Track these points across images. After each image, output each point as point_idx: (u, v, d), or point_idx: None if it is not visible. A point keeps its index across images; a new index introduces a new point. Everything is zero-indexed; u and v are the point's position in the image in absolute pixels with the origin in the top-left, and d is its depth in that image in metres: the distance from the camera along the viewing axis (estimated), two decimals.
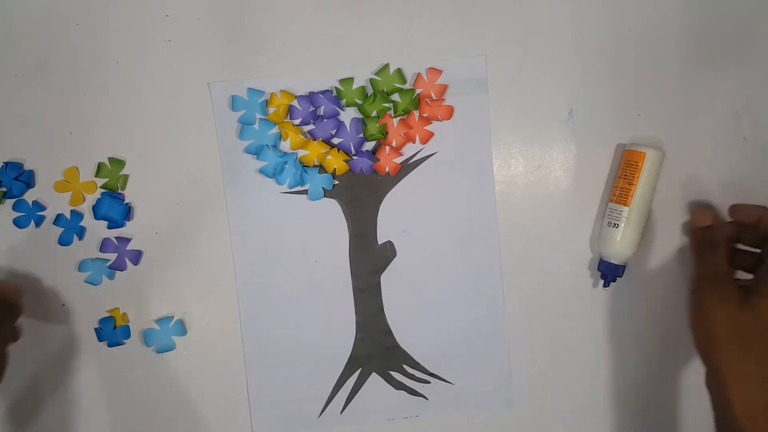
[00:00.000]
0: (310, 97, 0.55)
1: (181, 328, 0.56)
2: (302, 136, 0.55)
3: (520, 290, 0.57)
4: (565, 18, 0.55)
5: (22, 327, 0.54)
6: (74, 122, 0.55)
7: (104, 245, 0.55)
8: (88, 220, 0.55)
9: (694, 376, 0.56)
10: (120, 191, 0.55)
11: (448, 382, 0.57)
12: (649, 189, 0.53)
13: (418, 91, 0.55)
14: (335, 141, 0.55)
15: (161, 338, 0.56)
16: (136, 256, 0.56)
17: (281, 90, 0.55)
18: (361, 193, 0.56)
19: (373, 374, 0.57)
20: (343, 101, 0.55)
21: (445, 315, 0.57)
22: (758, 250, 0.51)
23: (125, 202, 0.55)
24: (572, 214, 0.56)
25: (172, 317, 0.56)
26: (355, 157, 0.55)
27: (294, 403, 0.57)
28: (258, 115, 0.55)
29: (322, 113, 0.55)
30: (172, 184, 0.56)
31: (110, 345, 0.56)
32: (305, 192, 0.56)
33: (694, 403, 0.57)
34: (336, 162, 0.55)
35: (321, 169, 0.55)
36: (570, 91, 0.55)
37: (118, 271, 0.56)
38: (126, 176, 0.55)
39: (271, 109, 0.55)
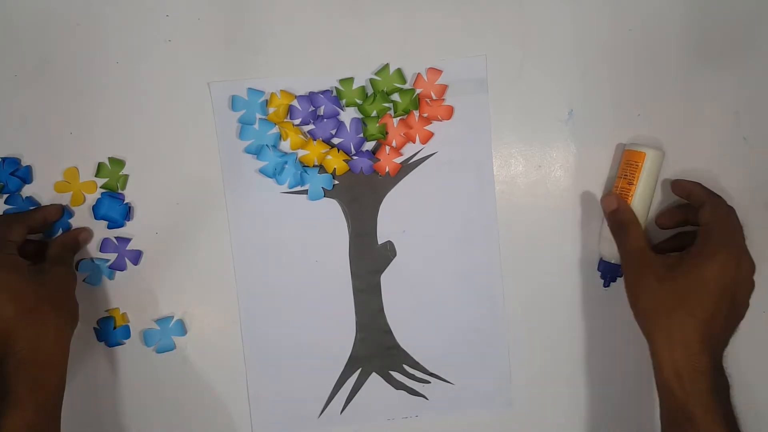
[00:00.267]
0: (310, 97, 0.55)
1: (181, 328, 0.56)
2: (302, 136, 0.55)
3: (520, 290, 0.57)
4: (565, 18, 0.55)
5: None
6: (74, 122, 0.55)
7: (104, 245, 0.55)
8: (88, 220, 0.55)
9: None
10: (120, 191, 0.55)
11: (448, 382, 0.57)
12: (649, 189, 0.53)
13: (418, 91, 0.55)
14: (335, 141, 0.55)
15: (161, 338, 0.56)
16: (136, 256, 0.56)
17: (281, 90, 0.55)
18: (361, 193, 0.56)
19: (373, 374, 0.57)
20: (343, 101, 0.55)
21: (445, 315, 0.57)
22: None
23: (125, 202, 0.55)
24: (572, 214, 0.56)
25: (172, 317, 0.56)
26: (355, 157, 0.55)
27: (294, 403, 0.57)
28: (258, 115, 0.55)
29: (322, 113, 0.55)
30: (172, 184, 0.56)
31: (110, 345, 0.56)
32: (305, 192, 0.56)
33: None
34: (336, 162, 0.55)
35: (321, 169, 0.55)
36: (570, 91, 0.55)
37: (118, 271, 0.56)
38: (126, 176, 0.55)
39: (271, 109, 0.55)
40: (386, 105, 0.55)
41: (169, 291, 0.56)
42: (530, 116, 0.55)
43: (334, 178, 0.56)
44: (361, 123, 0.55)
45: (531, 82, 0.55)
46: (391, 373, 0.57)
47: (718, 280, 0.47)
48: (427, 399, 0.57)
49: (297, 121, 0.55)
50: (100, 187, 0.55)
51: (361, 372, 0.57)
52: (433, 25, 0.55)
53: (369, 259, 0.56)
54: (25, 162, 0.55)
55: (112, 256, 0.56)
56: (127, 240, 0.55)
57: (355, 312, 0.57)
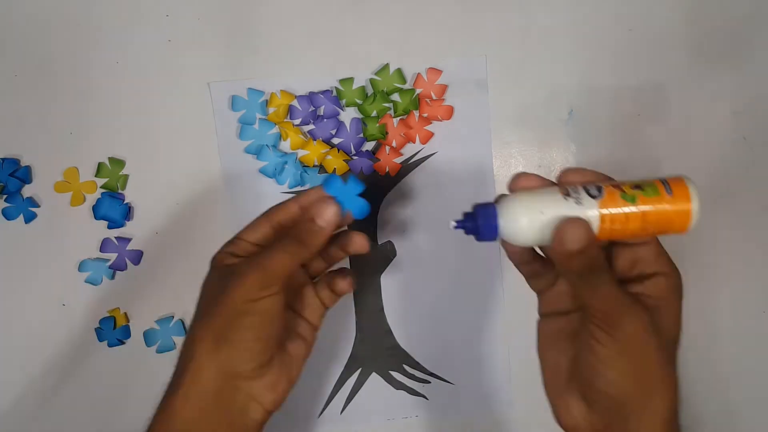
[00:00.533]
0: (310, 97, 0.55)
1: (182, 328, 0.56)
2: (302, 136, 0.55)
3: (520, 290, 0.56)
4: (565, 18, 0.55)
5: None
6: (74, 122, 0.55)
7: (104, 245, 0.55)
8: (88, 220, 0.55)
9: (693, 372, 0.56)
10: (120, 191, 0.55)
11: (448, 382, 0.57)
12: None
13: (418, 91, 0.55)
14: (335, 141, 0.55)
15: (162, 338, 0.56)
16: (137, 256, 0.56)
17: (281, 90, 0.55)
18: None
19: (373, 374, 0.57)
20: (343, 101, 0.55)
21: (445, 315, 0.57)
22: None
23: (125, 202, 0.55)
24: None
25: (173, 317, 0.56)
26: (355, 157, 0.55)
27: (294, 403, 0.57)
28: (258, 115, 0.55)
29: (322, 113, 0.55)
30: (172, 184, 0.56)
31: (110, 345, 0.56)
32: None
33: (694, 398, 0.57)
34: (336, 162, 0.55)
35: (321, 169, 0.55)
36: (570, 91, 0.55)
37: (118, 271, 0.56)
38: (126, 176, 0.55)
39: (271, 109, 0.55)
40: (386, 105, 0.55)
41: (169, 291, 0.56)
42: (530, 116, 0.55)
43: None
44: (361, 123, 0.55)
45: (531, 82, 0.55)
46: (391, 373, 0.57)
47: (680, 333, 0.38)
48: (427, 399, 0.57)
49: (297, 121, 0.55)
50: (100, 187, 0.55)
51: (361, 372, 0.57)
52: (433, 25, 0.55)
53: (369, 259, 0.56)
54: (24, 162, 0.55)
55: (112, 256, 0.56)
56: (128, 240, 0.56)
57: (355, 312, 0.57)
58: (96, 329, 0.56)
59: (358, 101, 0.54)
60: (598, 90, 0.55)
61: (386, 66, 0.55)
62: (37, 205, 0.55)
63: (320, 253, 0.43)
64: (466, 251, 0.56)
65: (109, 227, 0.55)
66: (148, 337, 0.56)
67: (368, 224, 0.56)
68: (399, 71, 0.55)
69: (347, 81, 0.55)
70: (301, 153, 0.55)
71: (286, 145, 0.55)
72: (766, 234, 0.56)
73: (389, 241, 0.56)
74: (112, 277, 0.56)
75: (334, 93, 0.55)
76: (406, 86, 0.55)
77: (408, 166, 0.56)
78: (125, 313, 0.56)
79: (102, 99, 0.55)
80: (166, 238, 0.56)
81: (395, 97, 0.55)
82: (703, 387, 0.57)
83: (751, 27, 0.55)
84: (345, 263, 0.56)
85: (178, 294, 0.56)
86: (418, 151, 0.56)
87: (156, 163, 0.55)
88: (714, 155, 0.55)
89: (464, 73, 0.55)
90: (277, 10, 0.55)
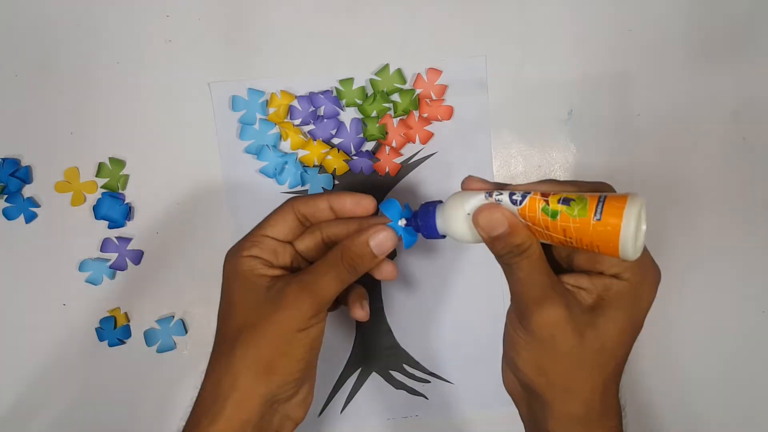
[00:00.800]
0: (310, 97, 0.55)
1: (182, 328, 0.56)
2: (302, 136, 0.55)
3: None
4: (565, 18, 0.55)
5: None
6: (74, 122, 0.55)
7: (105, 245, 0.55)
8: (88, 220, 0.55)
9: (693, 372, 0.56)
10: (120, 191, 0.55)
11: (448, 381, 0.57)
12: None
13: (418, 91, 0.55)
14: (335, 141, 0.55)
15: (162, 338, 0.56)
16: (137, 256, 0.56)
17: (281, 90, 0.55)
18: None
19: (373, 374, 0.57)
20: (343, 101, 0.55)
21: (445, 314, 0.57)
22: None
23: (126, 202, 0.55)
24: None
25: (173, 317, 0.56)
26: (355, 157, 0.55)
27: None
28: (258, 115, 0.55)
29: (322, 113, 0.55)
30: (172, 184, 0.56)
31: (111, 345, 0.56)
32: (305, 192, 0.56)
33: (694, 399, 0.57)
34: (336, 162, 0.55)
35: (321, 169, 0.55)
36: (570, 91, 0.55)
37: (118, 271, 0.56)
38: (126, 176, 0.55)
39: (272, 109, 0.55)
40: (386, 105, 0.55)
41: (169, 290, 0.56)
42: (530, 116, 0.55)
43: (334, 178, 0.56)
44: (361, 123, 0.55)
45: (531, 82, 0.55)
46: (391, 372, 0.57)
47: (628, 341, 0.38)
48: (427, 399, 0.57)
49: (297, 121, 0.55)
50: (101, 187, 0.55)
51: (361, 371, 0.57)
52: (433, 25, 0.55)
53: None
54: (25, 162, 0.55)
55: (112, 256, 0.56)
56: (128, 240, 0.56)
57: None
58: (96, 329, 0.56)
59: (358, 101, 0.54)
60: (597, 90, 0.55)
61: (386, 66, 0.55)
62: (37, 205, 0.55)
63: None
64: (466, 251, 0.56)
65: (110, 227, 0.55)
66: (149, 337, 0.56)
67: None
68: (399, 71, 0.55)
69: (347, 81, 0.55)
70: (301, 153, 0.55)
71: (286, 145, 0.55)
72: (766, 234, 0.56)
73: None
74: (113, 277, 0.56)
75: (334, 93, 0.55)
76: (406, 86, 0.55)
77: (408, 166, 0.56)
78: (126, 313, 0.56)
79: (102, 99, 0.55)
80: (167, 238, 0.56)
81: (395, 97, 0.55)
82: (704, 387, 0.57)
83: (751, 27, 0.55)
84: None
85: (179, 294, 0.56)
86: (418, 151, 0.56)
87: (156, 164, 0.55)
88: (714, 155, 0.55)
89: (464, 73, 0.55)
90: (278, 11, 0.55)
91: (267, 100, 0.55)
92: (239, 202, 0.56)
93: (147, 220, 0.56)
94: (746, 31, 0.55)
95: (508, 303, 0.56)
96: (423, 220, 0.39)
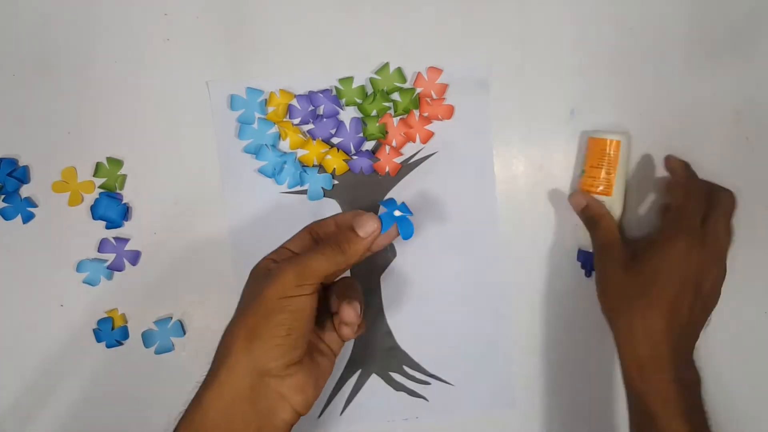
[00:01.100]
0: (310, 97, 0.54)
1: (180, 329, 0.56)
2: (302, 136, 0.55)
3: (521, 291, 0.57)
4: (566, 18, 0.55)
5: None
6: (72, 122, 0.55)
7: (102, 245, 0.55)
8: (86, 220, 0.55)
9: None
10: (118, 191, 0.55)
11: (449, 383, 0.57)
12: (624, 175, 0.53)
13: (418, 90, 0.54)
14: (335, 140, 0.55)
15: (160, 339, 0.56)
16: (135, 257, 0.55)
17: (280, 89, 0.54)
18: (361, 193, 0.56)
19: (373, 375, 0.57)
20: (343, 100, 0.54)
21: (445, 316, 0.57)
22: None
23: (123, 202, 0.55)
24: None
25: (171, 318, 0.56)
26: (354, 157, 0.55)
27: None
28: (257, 115, 0.55)
29: (321, 112, 0.55)
30: (170, 184, 0.55)
31: (109, 346, 0.56)
32: (305, 192, 0.55)
33: None
34: (336, 162, 0.54)
35: (320, 168, 0.55)
36: (571, 90, 0.55)
37: (116, 272, 0.56)
38: (124, 176, 0.55)
39: (270, 109, 0.54)
40: (386, 104, 0.54)
41: (167, 291, 0.56)
42: (531, 116, 0.55)
43: (333, 178, 0.55)
44: (361, 122, 0.54)
45: (532, 81, 0.55)
46: (391, 374, 0.57)
47: (678, 267, 0.46)
48: (427, 400, 0.57)
49: (296, 121, 0.55)
50: (98, 187, 0.55)
51: (361, 373, 0.57)
52: (433, 23, 0.55)
53: (369, 259, 0.56)
54: (22, 162, 0.55)
55: (110, 257, 0.55)
56: (126, 240, 0.55)
57: None
58: (94, 330, 0.56)
59: (358, 100, 0.54)
60: (599, 89, 0.55)
61: (386, 65, 0.54)
62: (34, 205, 0.55)
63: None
64: (466, 251, 0.56)
65: (107, 227, 0.55)
66: (147, 338, 0.56)
67: None
68: (399, 70, 0.54)
69: (347, 80, 0.54)
70: (300, 152, 0.55)
71: (285, 145, 0.55)
72: (766, 234, 0.56)
73: None
74: (110, 277, 0.56)
75: (334, 92, 0.54)
76: (407, 85, 0.55)
77: (408, 166, 0.56)
78: (123, 314, 0.56)
79: (100, 98, 0.55)
80: (165, 238, 0.56)
81: (395, 96, 0.54)
82: (704, 388, 0.56)
83: (752, 26, 0.55)
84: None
85: (177, 295, 0.56)
86: (418, 151, 0.55)
87: (154, 163, 0.55)
88: (716, 155, 0.55)
89: (465, 72, 0.55)
90: (277, 9, 0.54)
91: (266, 99, 0.54)
92: (238, 202, 0.55)
93: (145, 221, 0.55)
94: (748, 30, 0.55)
95: (507, 303, 0.56)
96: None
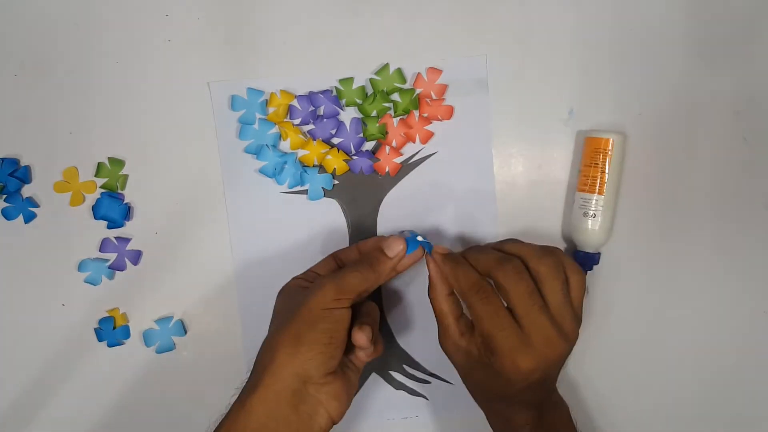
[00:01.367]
0: (310, 97, 0.55)
1: (181, 328, 0.56)
2: (302, 136, 0.55)
3: None
4: (565, 18, 0.55)
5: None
6: (73, 122, 0.55)
7: (104, 245, 0.55)
8: (87, 220, 0.55)
9: (693, 372, 0.56)
10: (119, 191, 0.55)
11: (448, 382, 0.57)
12: (618, 175, 0.53)
13: (418, 90, 0.55)
14: (335, 141, 0.55)
15: (161, 338, 0.56)
16: (136, 256, 0.56)
17: (281, 90, 0.55)
18: (361, 193, 0.56)
19: (373, 374, 0.57)
20: (343, 101, 0.54)
21: None
22: None
23: (125, 202, 0.55)
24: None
25: (172, 317, 0.56)
26: (355, 157, 0.55)
27: None
28: (258, 115, 0.55)
29: (321, 113, 0.55)
30: (171, 184, 0.55)
31: (110, 345, 0.56)
32: (305, 192, 0.56)
33: (695, 399, 0.57)
34: (336, 162, 0.55)
35: (321, 169, 0.55)
36: (570, 90, 0.55)
37: (117, 271, 0.56)
38: (125, 176, 0.55)
39: (271, 109, 0.55)
40: (386, 105, 0.54)
41: (168, 291, 0.56)
42: (531, 116, 0.55)
43: (334, 178, 0.55)
44: (361, 123, 0.55)
45: (531, 81, 0.55)
46: (391, 373, 0.57)
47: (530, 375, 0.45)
48: (427, 399, 0.57)
49: (297, 121, 0.55)
50: (100, 187, 0.55)
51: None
52: (433, 24, 0.55)
53: None
54: (24, 162, 0.55)
55: (111, 256, 0.56)
56: (127, 240, 0.55)
57: None
58: (95, 329, 0.56)
59: (358, 101, 0.54)
60: (598, 90, 0.55)
61: (386, 66, 0.54)
62: (36, 205, 0.55)
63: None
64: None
65: (109, 227, 0.55)
66: (148, 338, 0.56)
67: (368, 224, 0.56)
68: (399, 71, 0.54)
69: (347, 81, 0.54)
70: (300, 153, 0.55)
71: (285, 145, 0.55)
72: (766, 234, 0.56)
73: None
74: (112, 277, 0.56)
75: (334, 93, 0.55)
76: (406, 86, 0.55)
77: (408, 166, 0.56)
78: (124, 314, 0.56)
79: (102, 99, 0.55)
80: (166, 238, 0.56)
81: (395, 96, 0.54)
82: (704, 388, 0.57)
83: (751, 26, 0.55)
84: None
85: (178, 294, 0.56)
86: (418, 151, 0.56)
87: (156, 163, 0.55)
88: (714, 155, 0.55)
89: (464, 73, 0.55)
90: (277, 10, 0.55)
91: (266, 100, 0.55)
92: (239, 202, 0.55)
93: (146, 220, 0.56)
94: (747, 30, 0.55)
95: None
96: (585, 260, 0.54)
